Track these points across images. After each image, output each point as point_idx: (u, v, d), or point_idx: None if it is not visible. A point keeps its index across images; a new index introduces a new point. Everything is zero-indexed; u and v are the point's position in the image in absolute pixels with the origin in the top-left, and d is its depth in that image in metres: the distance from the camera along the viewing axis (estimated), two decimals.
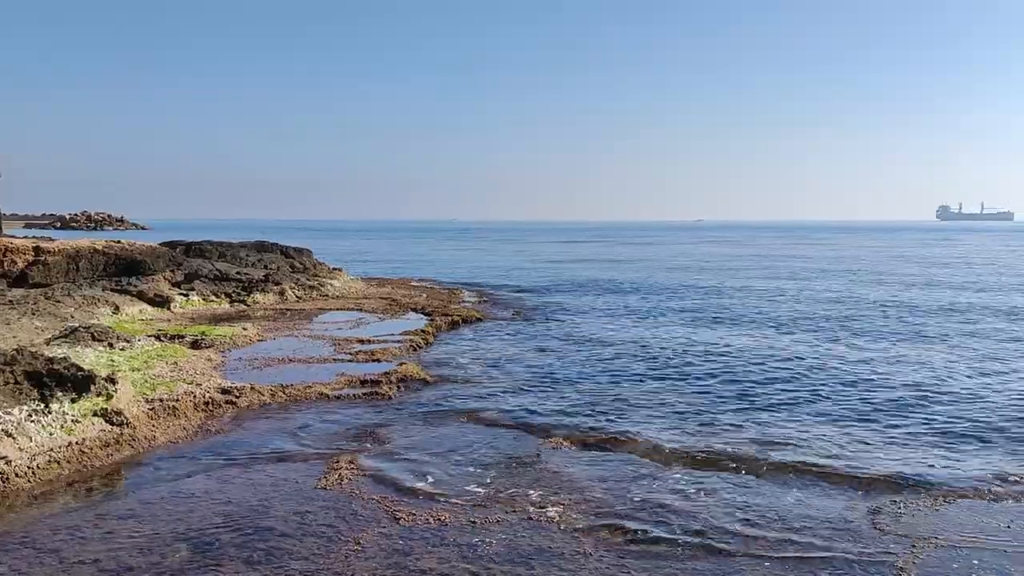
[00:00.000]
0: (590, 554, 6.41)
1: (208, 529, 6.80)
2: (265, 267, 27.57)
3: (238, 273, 24.94)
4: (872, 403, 11.68)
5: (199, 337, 15.80)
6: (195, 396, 10.95)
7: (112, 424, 9.31)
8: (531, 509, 7.36)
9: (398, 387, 12.24)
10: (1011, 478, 8.35)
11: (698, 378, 13.50)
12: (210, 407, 10.84)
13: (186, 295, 21.70)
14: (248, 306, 22.07)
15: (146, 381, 11.50)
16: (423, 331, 17.74)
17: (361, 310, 21.84)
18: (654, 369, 14.27)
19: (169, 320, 18.97)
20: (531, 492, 7.82)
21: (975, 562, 6.34)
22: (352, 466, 8.52)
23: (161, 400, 10.52)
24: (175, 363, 12.98)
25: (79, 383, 9.54)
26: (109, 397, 9.72)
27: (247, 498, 7.56)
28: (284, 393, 11.66)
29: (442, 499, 7.62)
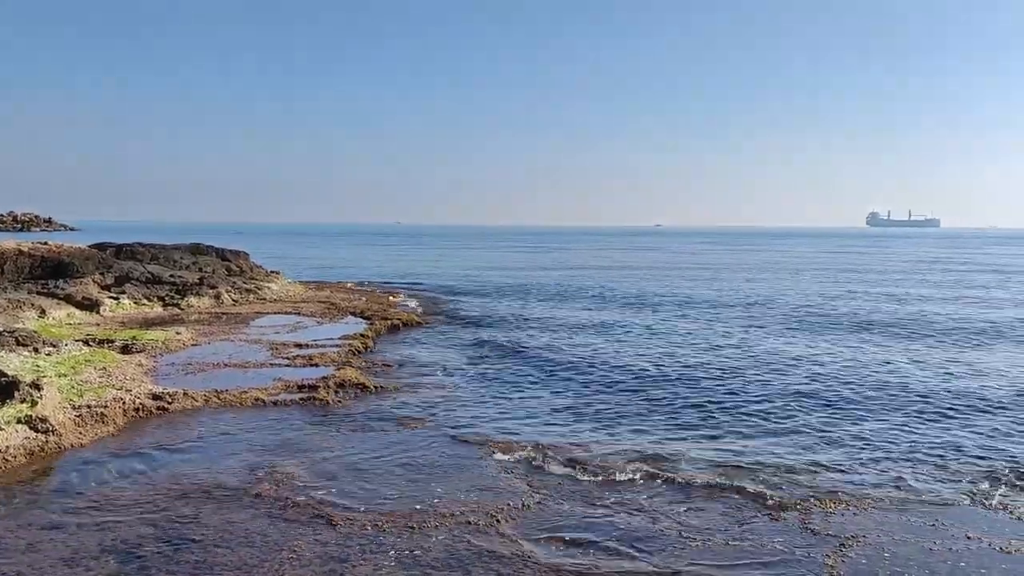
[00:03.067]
0: (529, 557, 6.41)
1: (136, 540, 6.61)
2: (200, 270, 26.99)
3: (171, 276, 24.36)
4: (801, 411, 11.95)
5: (130, 342, 15.37)
6: (124, 402, 10.64)
7: (37, 431, 9.00)
8: (469, 515, 7.33)
9: (336, 392, 12.08)
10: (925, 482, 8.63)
11: (639, 387, 13.64)
12: (140, 413, 10.56)
13: (116, 298, 21.11)
14: (182, 310, 21.57)
15: (73, 387, 11.15)
16: (362, 335, 17.58)
17: (299, 314, 21.54)
18: (585, 376, 14.39)
19: (98, 324, 18.43)
20: (470, 497, 7.80)
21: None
22: (287, 473, 8.38)
23: (89, 407, 10.20)
24: (104, 368, 12.61)
25: (2, 389, 9.21)
26: (34, 404, 9.40)
27: (177, 507, 7.37)
28: (218, 399, 11.41)
29: (380, 505, 7.53)
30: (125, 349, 14.82)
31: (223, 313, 21.23)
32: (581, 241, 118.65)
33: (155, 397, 11.13)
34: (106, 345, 15.02)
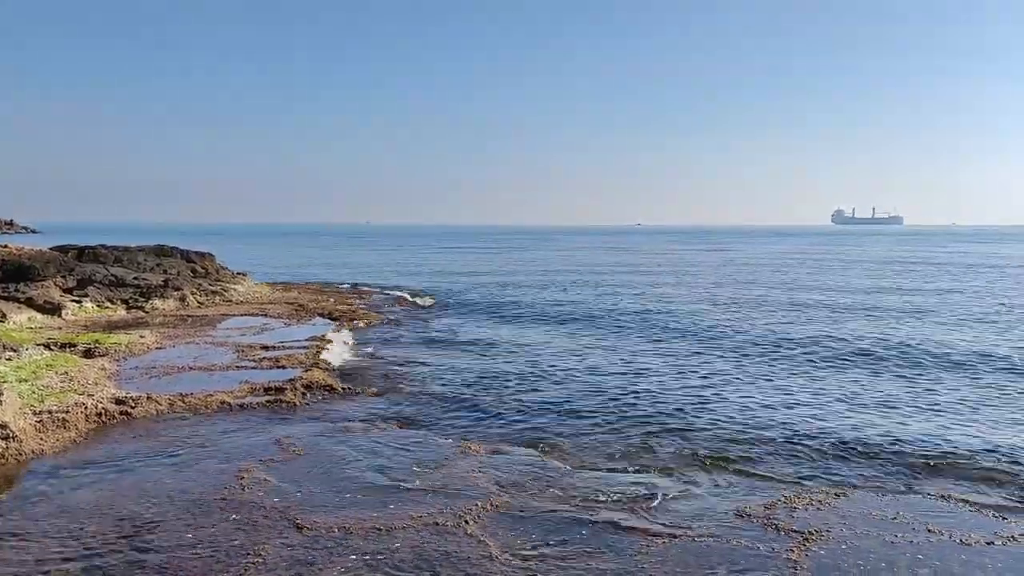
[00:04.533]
0: (496, 557, 6.42)
1: (99, 546, 6.51)
2: (164, 272, 26.65)
3: (135, 278, 24.03)
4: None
5: (92, 345, 15.15)
6: (87, 407, 10.49)
7: None
8: (437, 515, 7.33)
9: (303, 394, 12.01)
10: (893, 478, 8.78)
11: (605, 388, 13.71)
12: (103, 418, 10.40)
13: (79, 302, 20.78)
14: (146, 312, 21.29)
15: (34, 392, 10.96)
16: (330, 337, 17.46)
17: (266, 315, 21.36)
18: (558, 376, 14.44)
19: (60, 328, 18.12)
20: (438, 498, 7.79)
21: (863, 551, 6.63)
22: (253, 476, 8.31)
23: (50, 412, 10.04)
24: (66, 373, 12.40)
25: None
26: None
27: (141, 512, 7.28)
28: (183, 402, 11.28)
29: (347, 507, 7.50)
30: (88, 353, 14.61)
31: (188, 315, 21.00)
32: (556, 241, 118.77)
33: (118, 402, 10.97)
34: (68, 349, 14.80)
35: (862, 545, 6.77)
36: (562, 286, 34.00)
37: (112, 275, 23.91)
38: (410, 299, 27.78)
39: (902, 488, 8.28)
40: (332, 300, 25.81)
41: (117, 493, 7.80)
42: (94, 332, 17.30)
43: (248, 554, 6.39)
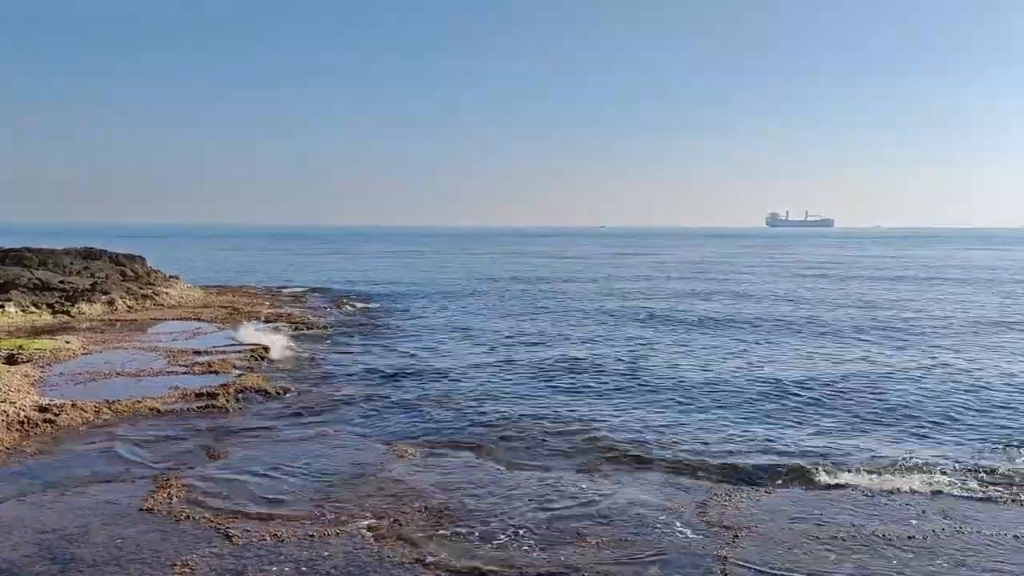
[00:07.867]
0: (426, 561, 6.39)
1: (20, 560, 6.29)
2: (92, 275, 25.89)
3: (61, 282, 23.30)
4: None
5: (15, 351, 14.64)
6: (8, 415, 10.13)
7: None
8: (372, 519, 7.26)
9: (236, 399, 11.79)
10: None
11: (531, 374, 13.78)
12: (26, 427, 10.06)
13: (2, 306, 20.04)
14: (73, 317, 20.66)
15: None
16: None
17: (199, 320, 20.93)
18: (485, 377, 14.47)
19: None
20: (372, 502, 7.72)
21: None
22: (182, 485, 8.12)
23: None
24: None
25: None
26: None
27: (64, 524, 7.05)
28: (110, 409, 10.97)
29: (279, 515, 7.38)
30: (10, 359, 14.12)
31: (117, 320, 20.45)
32: (508, 242, 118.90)
33: (42, 409, 10.62)
34: None
35: (788, 539, 6.93)
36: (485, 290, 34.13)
37: (37, 279, 23.14)
38: (350, 301, 27.50)
39: (830, 481, 8.49)
40: (267, 303, 25.42)
41: (39, 505, 7.55)
42: (17, 338, 16.72)
43: (175, 564, 6.24)
